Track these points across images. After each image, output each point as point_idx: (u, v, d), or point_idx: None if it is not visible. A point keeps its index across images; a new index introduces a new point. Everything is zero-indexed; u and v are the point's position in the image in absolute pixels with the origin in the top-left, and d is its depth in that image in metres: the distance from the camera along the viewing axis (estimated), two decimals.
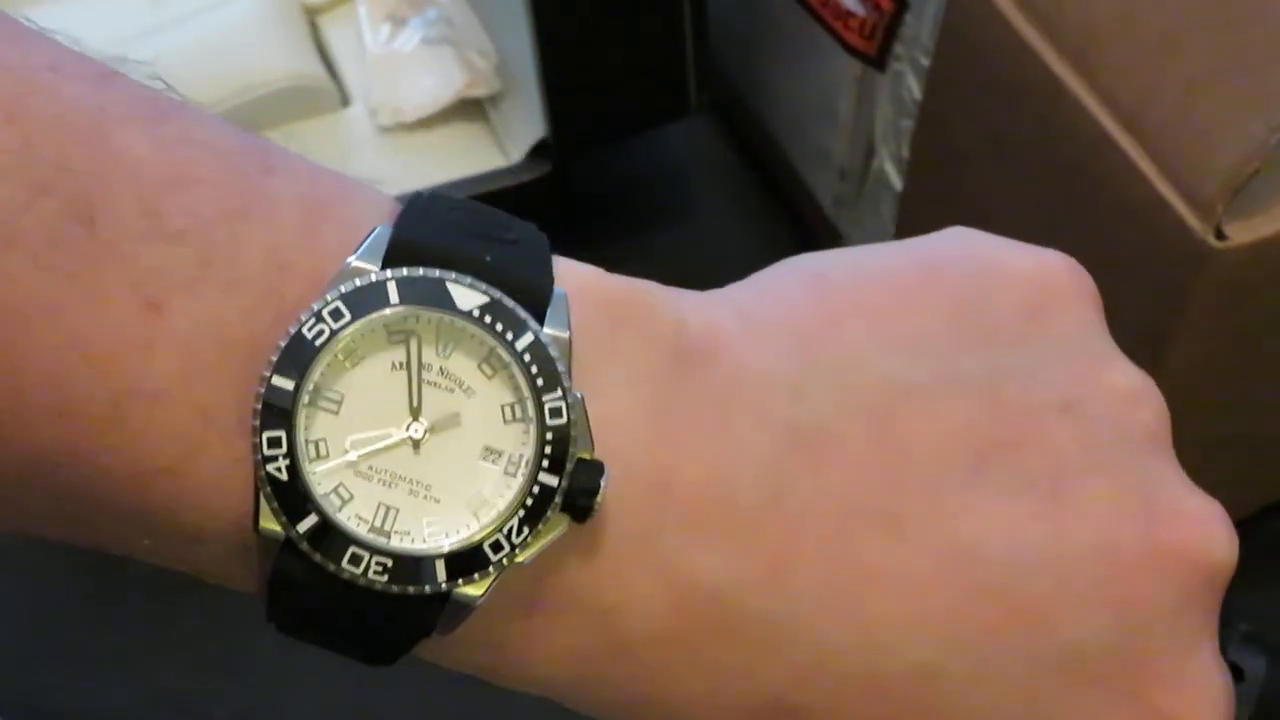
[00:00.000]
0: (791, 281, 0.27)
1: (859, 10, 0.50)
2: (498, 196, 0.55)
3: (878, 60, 0.50)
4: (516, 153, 0.56)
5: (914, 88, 0.49)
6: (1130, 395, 0.27)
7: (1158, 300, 0.41)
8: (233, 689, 0.49)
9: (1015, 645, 0.25)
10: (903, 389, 0.26)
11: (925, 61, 0.47)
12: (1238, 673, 0.37)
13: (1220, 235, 0.39)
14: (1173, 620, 0.26)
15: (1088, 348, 0.28)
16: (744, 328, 0.26)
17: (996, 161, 0.46)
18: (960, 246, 0.28)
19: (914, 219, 0.51)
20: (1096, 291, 0.28)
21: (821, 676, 0.25)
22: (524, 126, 0.56)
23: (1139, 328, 0.42)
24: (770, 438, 0.25)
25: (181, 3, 0.59)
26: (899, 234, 0.52)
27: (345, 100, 0.59)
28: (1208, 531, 0.27)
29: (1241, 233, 0.39)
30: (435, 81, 0.57)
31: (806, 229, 0.60)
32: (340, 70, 0.59)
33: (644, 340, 0.25)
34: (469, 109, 0.58)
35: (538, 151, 0.56)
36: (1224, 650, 0.31)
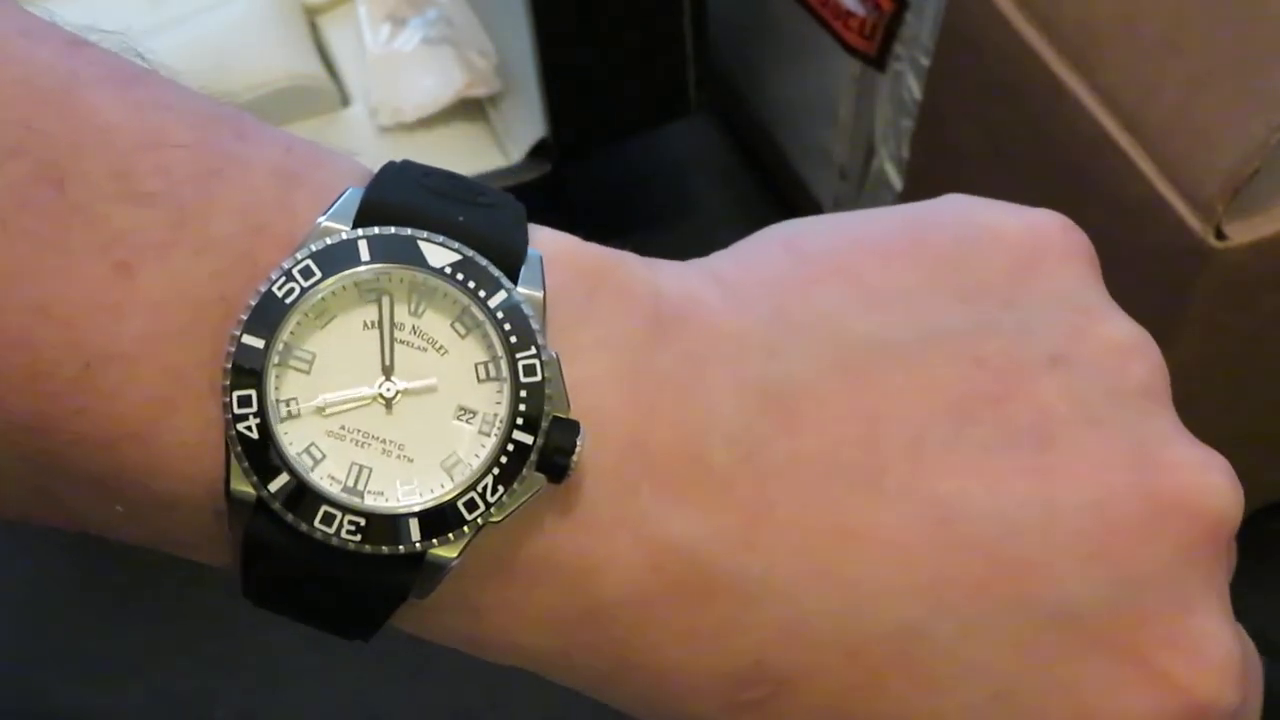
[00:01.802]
0: (772, 247, 0.27)
1: (859, 10, 0.50)
2: None
3: (878, 60, 0.50)
4: (516, 153, 0.56)
5: (914, 88, 0.49)
6: (1123, 348, 0.27)
7: (1158, 300, 0.41)
8: (233, 689, 0.49)
9: (1003, 604, 0.25)
10: (881, 347, 0.26)
11: (925, 61, 0.47)
12: None
13: (1220, 235, 0.39)
14: (1172, 576, 0.25)
15: (1079, 302, 0.27)
16: (721, 292, 0.26)
17: (996, 161, 0.46)
18: (950, 209, 0.28)
19: None
20: (1091, 248, 0.28)
21: (801, 638, 0.25)
22: (524, 126, 0.56)
23: None
24: (744, 398, 0.25)
25: (181, 3, 0.59)
26: None
27: (345, 100, 0.59)
28: (1206, 481, 0.26)
29: (1241, 233, 0.39)
30: (435, 81, 0.57)
31: None
32: (340, 70, 0.59)
33: (620, 305, 0.25)
34: (469, 109, 0.58)
35: (538, 151, 0.56)
36: None
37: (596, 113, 0.55)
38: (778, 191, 0.62)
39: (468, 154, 0.57)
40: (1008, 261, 0.27)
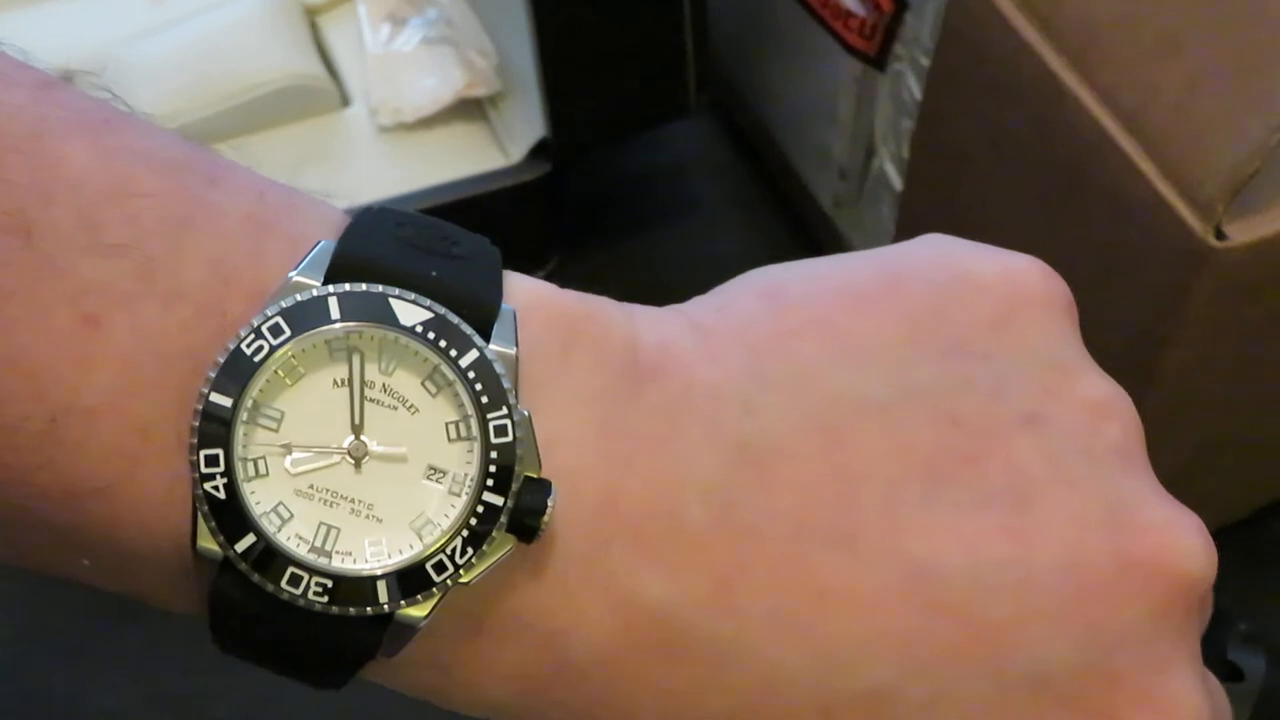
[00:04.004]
0: (749, 296, 0.27)
1: (859, 10, 0.50)
2: (498, 196, 0.55)
3: (878, 60, 0.50)
4: (516, 153, 0.56)
5: (914, 88, 0.49)
6: (1097, 408, 0.26)
7: (1157, 300, 0.41)
8: (233, 689, 0.49)
9: (976, 667, 0.25)
10: (856, 404, 0.25)
11: (925, 61, 0.47)
12: (1237, 673, 0.37)
13: (1220, 235, 0.39)
14: (1144, 636, 0.25)
15: (1055, 359, 0.27)
16: (697, 344, 0.26)
17: (996, 161, 0.46)
18: (928, 254, 0.28)
19: (914, 219, 0.51)
20: (1070, 298, 0.28)
21: (773, 700, 0.25)
22: (524, 126, 0.56)
23: (1139, 328, 0.42)
24: (719, 456, 0.25)
25: (181, 3, 0.59)
26: (899, 234, 0.52)
27: (345, 100, 0.59)
28: (1178, 543, 0.26)
29: (1241, 233, 0.39)
30: (435, 81, 0.57)
31: (806, 229, 0.60)
32: (340, 70, 0.59)
33: (595, 357, 0.25)
34: (469, 109, 0.58)
35: (538, 151, 0.56)
36: (1224, 650, 0.31)
37: (596, 113, 0.55)
38: (778, 191, 0.62)
39: (468, 154, 0.57)
40: (985, 312, 0.27)
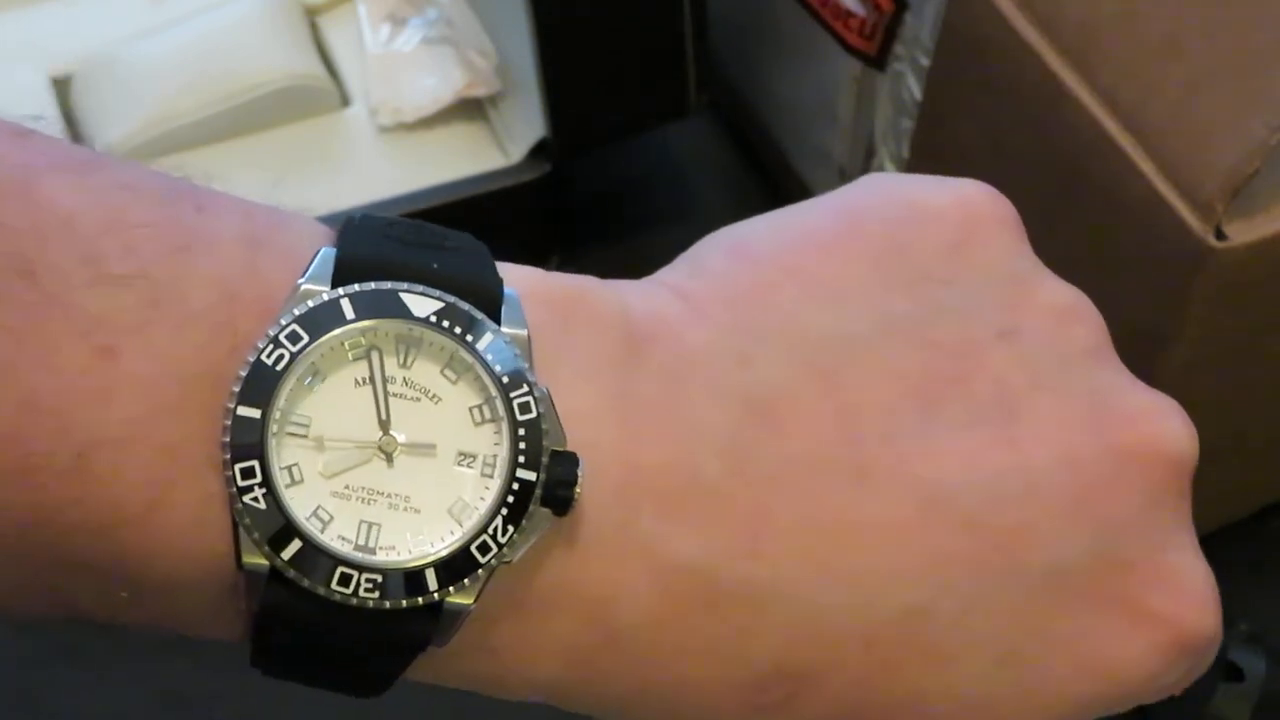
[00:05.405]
0: (718, 257, 0.28)
1: (859, 10, 0.50)
2: (497, 196, 0.55)
3: (878, 60, 0.50)
4: (516, 153, 0.56)
5: (914, 88, 0.49)
6: (1063, 312, 0.28)
7: (1157, 300, 0.41)
8: (233, 689, 0.49)
9: (998, 574, 0.26)
10: (843, 344, 0.26)
11: (925, 61, 0.47)
12: (1237, 673, 0.37)
13: (1220, 235, 0.39)
14: (1145, 520, 0.27)
15: (1014, 273, 0.28)
16: (682, 307, 0.26)
17: (996, 161, 0.46)
18: (879, 193, 0.29)
19: None
20: (1017, 215, 0.29)
21: (815, 636, 0.25)
22: (524, 126, 0.56)
23: (1139, 328, 0.42)
24: (725, 410, 0.25)
25: (181, 3, 0.59)
26: None
27: (345, 100, 0.59)
28: (1162, 427, 0.27)
29: (1241, 233, 0.39)
30: (435, 81, 0.57)
31: None
32: (340, 70, 0.59)
33: (594, 333, 0.25)
34: (469, 109, 0.58)
35: (538, 151, 0.56)
36: (1224, 650, 0.31)
37: (596, 113, 0.55)
38: (778, 191, 0.62)
39: (468, 154, 0.57)
40: (943, 240, 0.28)
